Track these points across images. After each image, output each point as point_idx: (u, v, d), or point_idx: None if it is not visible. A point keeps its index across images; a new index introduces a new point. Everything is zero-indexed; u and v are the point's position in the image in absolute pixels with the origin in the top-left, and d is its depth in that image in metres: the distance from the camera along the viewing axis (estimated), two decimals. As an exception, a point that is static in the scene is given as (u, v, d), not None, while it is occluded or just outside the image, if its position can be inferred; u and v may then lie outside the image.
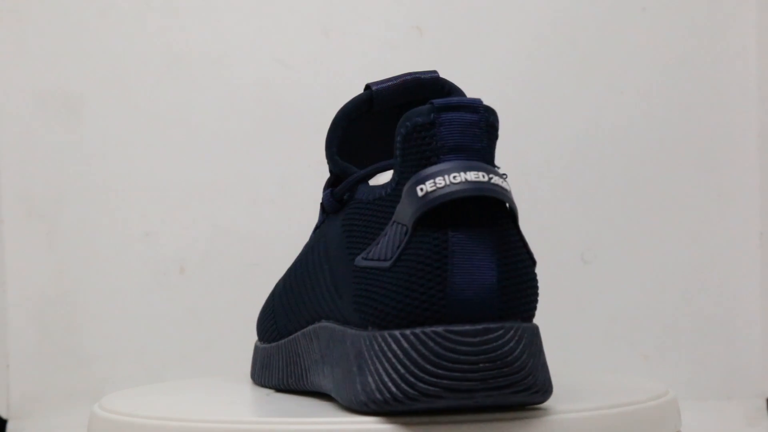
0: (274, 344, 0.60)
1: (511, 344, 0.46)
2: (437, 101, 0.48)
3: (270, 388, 0.59)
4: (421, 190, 0.47)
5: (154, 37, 0.88)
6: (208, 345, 0.87)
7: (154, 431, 0.50)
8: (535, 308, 0.48)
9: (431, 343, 0.46)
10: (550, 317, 0.86)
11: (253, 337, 0.65)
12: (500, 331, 0.46)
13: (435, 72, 0.59)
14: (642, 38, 0.88)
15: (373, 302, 0.48)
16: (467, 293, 0.46)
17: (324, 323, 0.53)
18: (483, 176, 0.47)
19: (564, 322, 0.87)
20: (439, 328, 0.46)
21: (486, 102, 0.47)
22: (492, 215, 0.47)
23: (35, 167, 0.88)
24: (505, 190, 0.48)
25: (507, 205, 0.48)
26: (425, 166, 0.48)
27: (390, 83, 0.59)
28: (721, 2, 0.87)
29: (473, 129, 0.48)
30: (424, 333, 0.46)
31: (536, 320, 0.83)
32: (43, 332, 0.87)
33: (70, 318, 0.87)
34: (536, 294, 0.49)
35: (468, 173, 0.47)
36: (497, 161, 0.86)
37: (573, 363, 0.87)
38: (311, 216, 0.60)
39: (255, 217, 0.88)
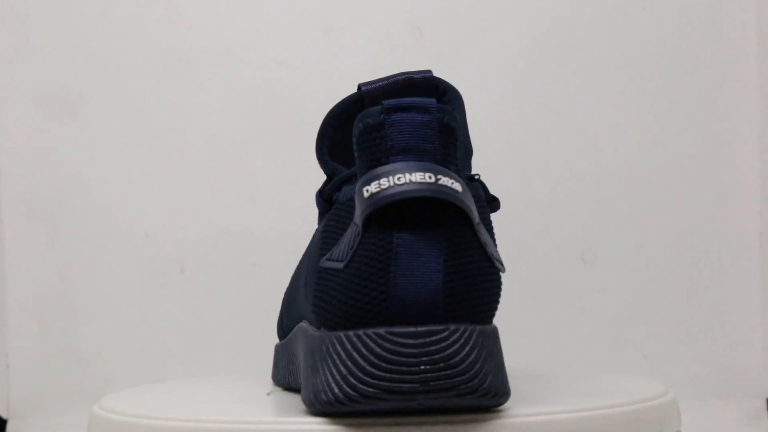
0: (280, 343, 0.60)
1: (456, 346, 0.46)
2: (388, 102, 0.48)
3: (279, 386, 0.59)
4: (367, 191, 0.47)
5: (154, 37, 0.88)
6: (208, 345, 0.87)
7: (154, 431, 0.50)
8: (491, 310, 0.48)
9: (372, 345, 0.46)
10: (550, 317, 0.87)
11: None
12: (444, 333, 0.46)
13: (428, 71, 0.59)
14: (642, 38, 0.88)
15: (325, 303, 0.48)
16: (410, 295, 0.46)
17: (302, 323, 0.53)
18: (429, 177, 0.47)
19: (564, 322, 0.87)
20: (381, 330, 0.46)
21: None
22: (440, 217, 0.47)
23: (35, 167, 0.88)
24: (455, 191, 0.47)
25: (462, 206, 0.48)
26: (375, 167, 0.48)
27: (381, 83, 0.59)
28: (721, 2, 0.88)
29: (424, 129, 0.48)
30: (366, 334, 0.46)
31: (537, 320, 0.83)
32: (43, 332, 0.87)
33: (70, 318, 0.87)
34: (493, 296, 0.48)
35: (414, 174, 0.47)
36: (497, 161, 0.86)
37: (573, 363, 0.87)
38: (311, 216, 0.60)
39: (255, 217, 0.88)
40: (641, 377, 0.64)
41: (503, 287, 0.67)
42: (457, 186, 0.47)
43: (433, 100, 0.48)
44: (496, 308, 0.49)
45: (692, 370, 0.87)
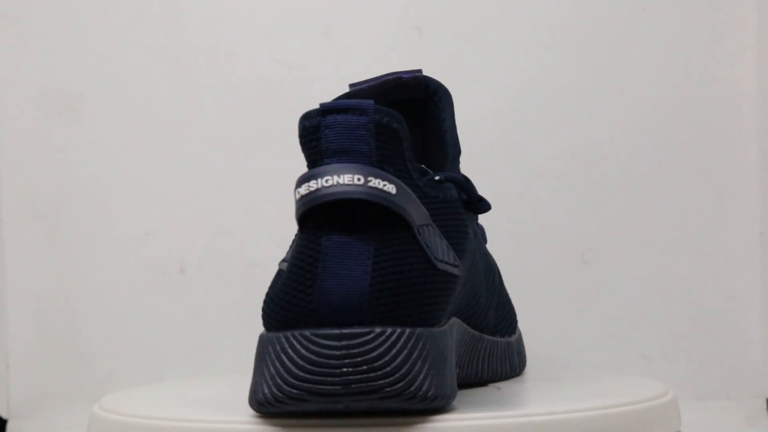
0: None
1: (381, 349, 0.45)
2: (324, 104, 0.48)
3: None
4: (298, 193, 0.48)
5: (154, 37, 0.88)
6: (208, 345, 0.87)
7: (154, 431, 0.50)
8: (427, 312, 0.47)
9: (298, 346, 0.46)
10: (550, 317, 0.87)
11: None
12: (368, 336, 0.45)
13: (418, 71, 0.59)
14: (642, 38, 0.88)
15: (265, 304, 0.48)
16: (336, 297, 0.46)
17: None
18: (358, 179, 0.47)
19: (564, 322, 0.87)
20: (306, 332, 0.46)
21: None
22: (371, 219, 0.47)
23: (35, 167, 0.88)
24: (387, 193, 0.47)
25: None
26: (311, 169, 0.48)
27: (369, 84, 0.59)
28: (721, 2, 0.87)
29: (359, 131, 0.48)
30: (293, 336, 0.46)
31: (537, 320, 0.83)
32: (43, 332, 0.87)
33: (70, 318, 0.87)
34: (437, 298, 0.48)
35: (342, 176, 0.47)
36: (497, 161, 0.85)
37: (573, 363, 0.87)
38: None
39: (255, 217, 0.88)
40: (641, 377, 0.64)
41: (500, 288, 0.67)
42: (390, 188, 0.47)
43: (371, 102, 0.48)
44: (441, 310, 0.48)
45: (692, 370, 0.87)
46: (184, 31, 0.88)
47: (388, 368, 0.45)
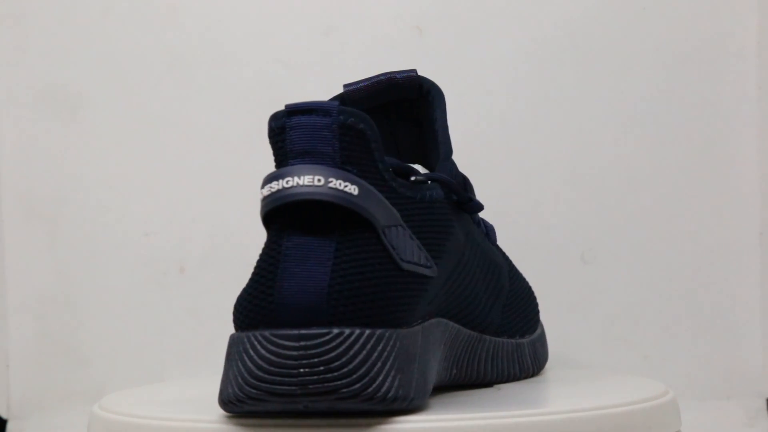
0: None
1: (339, 350, 0.45)
2: (290, 105, 0.49)
3: None
4: (261, 194, 0.48)
5: (154, 36, 0.88)
6: (208, 345, 0.87)
7: (154, 431, 0.50)
8: (391, 313, 0.47)
9: (258, 347, 0.46)
10: (550, 317, 0.87)
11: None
12: (326, 337, 0.45)
13: (412, 71, 0.59)
14: (642, 38, 0.88)
15: (235, 305, 0.49)
16: (296, 298, 0.46)
17: None
18: (318, 180, 0.47)
19: (564, 322, 0.87)
20: (267, 332, 0.46)
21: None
22: (333, 220, 0.47)
23: (35, 167, 0.88)
24: (348, 194, 0.47)
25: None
26: (276, 170, 0.48)
27: (362, 84, 0.59)
28: (721, 3, 0.87)
29: (323, 132, 0.48)
30: (254, 336, 0.46)
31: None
32: (43, 332, 0.87)
33: (70, 318, 0.87)
34: (394, 299, 0.47)
35: (303, 177, 0.47)
36: (497, 160, 0.85)
37: (573, 363, 0.87)
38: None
39: (255, 217, 0.87)
40: (641, 377, 0.64)
41: (510, 288, 0.66)
42: (352, 189, 0.47)
43: (335, 103, 0.48)
44: (409, 311, 0.48)
45: (692, 370, 0.87)
46: (184, 32, 0.88)
47: (345, 369, 0.45)
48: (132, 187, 0.88)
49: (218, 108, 0.88)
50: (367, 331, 0.46)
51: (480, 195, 0.68)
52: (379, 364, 0.46)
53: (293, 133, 0.48)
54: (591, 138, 0.88)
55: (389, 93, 0.59)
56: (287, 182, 0.47)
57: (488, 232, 0.64)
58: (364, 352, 0.46)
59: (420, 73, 0.62)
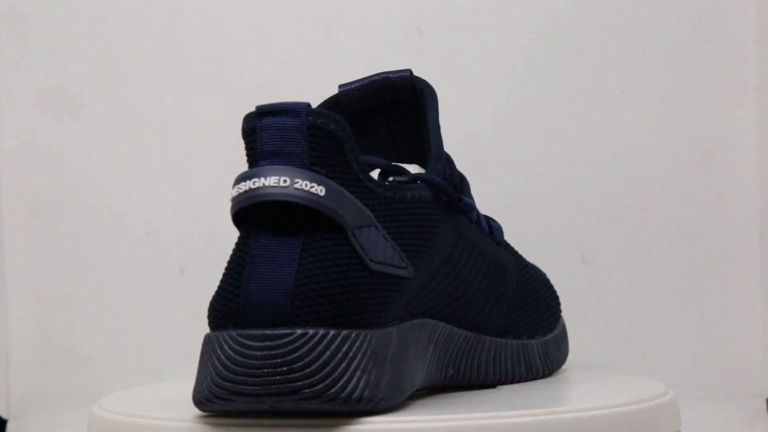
0: None
1: (302, 351, 0.45)
2: (260, 106, 0.49)
3: None
4: (231, 195, 0.48)
5: (154, 37, 0.88)
6: (208, 345, 0.87)
7: (154, 431, 0.50)
8: (359, 314, 0.47)
9: (225, 347, 0.47)
10: (550, 317, 0.86)
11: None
12: (289, 338, 0.46)
13: (407, 71, 0.59)
14: (642, 38, 0.88)
15: (209, 304, 0.49)
16: (261, 298, 0.46)
17: None
18: (284, 182, 0.47)
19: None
20: (233, 332, 0.47)
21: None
22: (300, 221, 0.47)
23: (35, 167, 0.88)
24: (314, 195, 0.47)
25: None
26: (246, 171, 0.49)
27: (356, 84, 0.59)
28: (721, 2, 0.87)
29: (292, 133, 0.48)
30: (222, 336, 0.47)
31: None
32: (43, 332, 0.87)
33: (70, 318, 0.87)
34: (362, 300, 0.47)
35: (269, 179, 0.48)
36: (497, 161, 0.85)
37: (573, 363, 0.86)
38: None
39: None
40: (641, 377, 0.64)
41: (519, 289, 0.66)
42: (319, 190, 0.47)
43: (305, 104, 0.49)
44: (379, 311, 0.48)
45: (692, 370, 0.87)
46: (183, 31, 0.88)
47: (308, 370, 0.45)
48: (132, 187, 0.88)
49: (218, 108, 0.88)
50: (332, 332, 0.46)
51: (480, 195, 0.68)
52: (343, 364, 0.46)
53: (263, 134, 0.49)
54: (591, 138, 0.88)
55: (384, 93, 0.59)
56: (254, 183, 0.48)
57: (493, 231, 0.63)
58: (328, 353, 0.46)
59: (420, 73, 0.62)
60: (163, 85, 0.88)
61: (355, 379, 0.46)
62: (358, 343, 0.47)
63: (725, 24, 0.88)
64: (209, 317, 0.49)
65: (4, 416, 0.88)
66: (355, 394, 0.46)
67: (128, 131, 0.88)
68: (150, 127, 0.88)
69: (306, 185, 0.47)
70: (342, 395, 0.46)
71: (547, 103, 0.88)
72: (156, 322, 0.87)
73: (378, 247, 0.48)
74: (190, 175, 0.88)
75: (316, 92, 0.88)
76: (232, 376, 0.46)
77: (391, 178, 0.54)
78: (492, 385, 0.59)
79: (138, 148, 0.88)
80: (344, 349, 0.46)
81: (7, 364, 0.87)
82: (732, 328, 0.87)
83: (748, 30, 0.87)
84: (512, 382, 0.61)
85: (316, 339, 0.46)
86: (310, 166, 0.48)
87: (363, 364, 0.47)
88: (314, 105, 0.63)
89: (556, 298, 0.69)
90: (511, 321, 0.61)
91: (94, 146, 0.88)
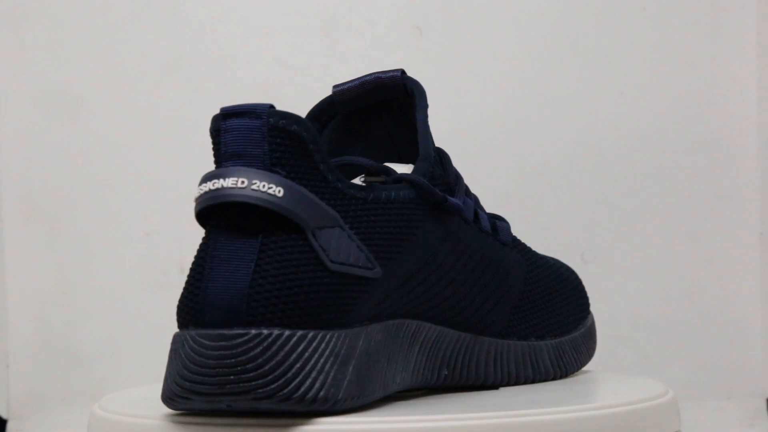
0: None
1: (256, 351, 0.46)
2: (224, 107, 0.50)
3: None
4: (195, 196, 0.48)
5: (154, 37, 0.88)
6: (208, 345, 0.87)
7: (154, 431, 0.50)
8: (318, 314, 0.47)
9: (186, 346, 0.47)
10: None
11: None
12: (243, 338, 0.46)
13: (398, 71, 0.59)
14: (642, 38, 0.88)
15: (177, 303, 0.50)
16: (220, 298, 0.47)
17: None
18: (242, 183, 0.48)
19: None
20: (193, 332, 0.47)
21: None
22: (258, 222, 0.48)
23: (35, 167, 0.88)
24: (272, 196, 0.47)
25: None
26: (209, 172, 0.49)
27: (349, 85, 0.59)
28: (721, 2, 0.87)
29: (253, 135, 0.48)
30: (183, 336, 0.48)
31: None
32: (43, 332, 0.87)
33: (70, 318, 0.87)
34: (321, 300, 0.47)
35: (227, 180, 0.48)
36: (497, 160, 0.85)
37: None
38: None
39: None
40: (641, 377, 0.64)
41: (525, 289, 0.65)
42: (276, 191, 0.47)
43: (267, 105, 0.49)
44: (341, 312, 0.48)
45: (692, 370, 0.87)
46: (184, 32, 0.88)
47: (261, 370, 0.46)
48: (132, 187, 0.88)
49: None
50: (287, 332, 0.46)
51: (479, 194, 0.68)
52: (298, 365, 0.46)
53: (227, 135, 0.49)
54: (591, 138, 0.88)
55: (376, 93, 0.59)
56: (214, 184, 0.48)
57: (497, 230, 0.62)
58: (282, 353, 0.46)
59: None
60: (163, 85, 0.88)
61: (310, 380, 0.46)
62: (315, 344, 0.47)
63: (725, 24, 0.88)
64: (176, 316, 0.49)
65: (4, 416, 0.88)
66: (310, 395, 0.46)
67: (128, 131, 0.88)
68: (150, 127, 0.88)
69: (263, 186, 0.47)
70: (295, 395, 0.46)
71: (547, 103, 0.88)
72: (156, 322, 0.87)
73: (341, 248, 0.48)
74: (190, 175, 0.88)
75: (316, 92, 0.88)
76: (191, 375, 0.47)
77: (360, 178, 0.54)
78: (493, 386, 0.59)
79: (138, 148, 0.88)
80: (299, 349, 0.46)
81: (7, 363, 0.87)
82: (732, 328, 0.87)
83: (748, 30, 0.87)
84: (517, 383, 0.60)
85: (270, 339, 0.46)
86: (271, 167, 0.48)
87: (320, 364, 0.47)
88: (311, 105, 0.63)
89: (581, 299, 0.67)
90: (515, 322, 0.61)
91: (94, 146, 0.88)
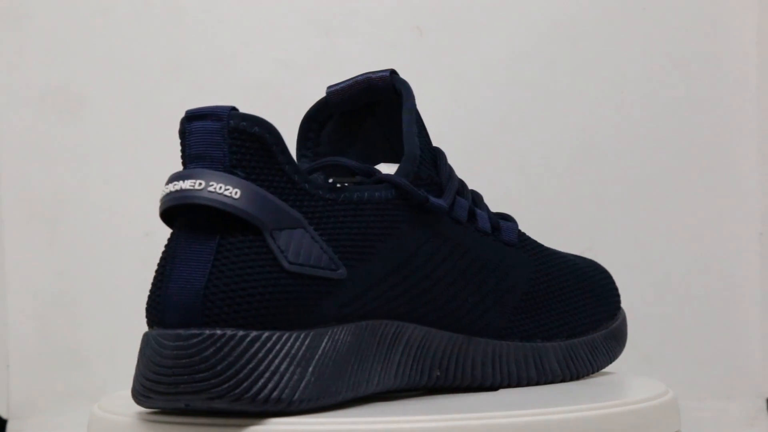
0: None
1: (210, 351, 0.46)
2: (189, 110, 0.50)
3: None
4: (160, 196, 0.49)
5: (155, 37, 0.88)
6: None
7: (154, 431, 0.50)
8: (274, 315, 0.47)
9: (147, 346, 0.48)
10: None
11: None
12: (198, 338, 0.46)
13: (388, 72, 0.59)
14: (642, 38, 0.88)
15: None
16: (178, 299, 0.47)
17: None
18: (199, 184, 0.48)
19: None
20: (154, 332, 0.48)
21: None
22: (216, 223, 0.48)
23: (35, 167, 0.88)
24: (228, 197, 0.48)
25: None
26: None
27: (342, 85, 0.59)
28: (721, 2, 0.88)
29: (214, 137, 0.49)
30: (147, 335, 0.49)
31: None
32: (43, 332, 0.87)
33: (70, 318, 0.87)
34: (278, 301, 0.47)
35: (185, 182, 0.49)
36: (497, 160, 0.85)
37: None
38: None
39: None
40: (641, 377, 0.64)
41: (530, 290, 0.65)
42: (233, 192, 0.48)
43: (228, 107, 0.49)
44: (300, 313, 0.48)
45: (692, 370, 0.87)
46: (184, 31, 0.88)
47: (213, 370, 0.46)
48: (132, 187, 0.88)
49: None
50: (240, 333, 0.47)
51: (480, 193, 0.68)
52: (251, 365, 0.46)
53: (191, 137, 0.50)
54: (591, 137, 0.88)
55: (368, 94, 0.59)
56: (174, 186, 0.49)
57: (499, 230, 0.61)
58: (235, 354, 0.46)
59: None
60: (163, 85, 0.88)
61: (262, 380, 0.47)
62: (269, 345, 0.47)
63: (725, 24, 0.88)
64: (145, 315, 0.50)
65: (4, 416, 0.88)
66: (262, 395, 0.46)
67: (129, 131, 0.88)
68: (150, 127, 0.88)
69: (220, 188, 0.48)
70: (246, 396, 0.46)
71: (547, 102, 0.88)
72: (156, 322, 0.87)
73: (302, 249, 0.49)
74: (190, 175, 0.88)
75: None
76: (152, 375, 0.48)
77: (330, 180, 0.54)
78: (492, 387, 0.59)
79: (138, 148, 0.88)
80: (252, 350, 0.47)
81: (7, 364, 0.87)
82: (732, 328, 0.87)
83: (748, 30, 0.87)
84: (519, 384, 0.59)
85: (223, 340, 0.46)
86: (231, 168, 0.48)
87: (274, 365, 0.47)
88: (308, 106, 0.63)
89: (607, 299, 0.65)
90: (517, 322, 0.60)
91: (95, 146, 0.88)
